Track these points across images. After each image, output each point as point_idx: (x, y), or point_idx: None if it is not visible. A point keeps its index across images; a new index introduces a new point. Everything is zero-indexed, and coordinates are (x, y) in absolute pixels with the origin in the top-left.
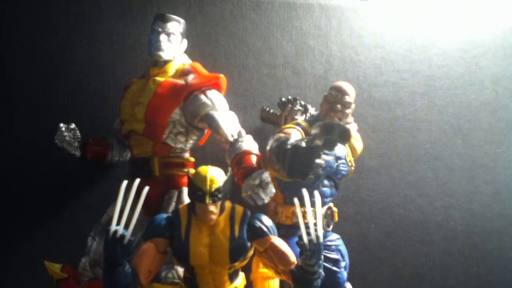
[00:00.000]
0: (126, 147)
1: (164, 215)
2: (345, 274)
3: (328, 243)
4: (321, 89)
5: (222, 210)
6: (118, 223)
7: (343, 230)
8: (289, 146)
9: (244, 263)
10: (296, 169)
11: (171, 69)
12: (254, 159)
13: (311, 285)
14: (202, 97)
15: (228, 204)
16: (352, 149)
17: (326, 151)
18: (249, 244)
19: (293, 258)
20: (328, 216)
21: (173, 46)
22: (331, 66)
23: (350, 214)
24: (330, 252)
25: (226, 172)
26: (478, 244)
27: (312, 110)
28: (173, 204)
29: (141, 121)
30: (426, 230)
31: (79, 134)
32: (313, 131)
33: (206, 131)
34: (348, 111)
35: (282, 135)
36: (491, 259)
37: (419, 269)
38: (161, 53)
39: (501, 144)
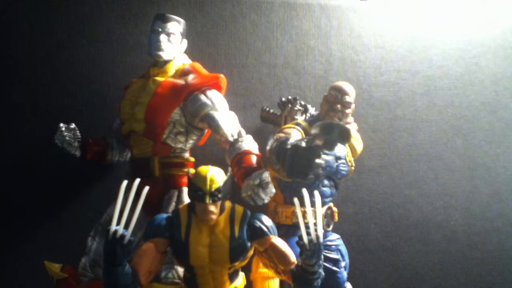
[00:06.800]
0: (126, 147)
1: (164, 215)
2: (345, 274)
3: (328, 243)
4: (321, 89)
5: (222, 210)
6: (118, 223)
7: (343, 230)
8: (289, 146)
9: (244, 263)
10: (296, 169)
11: (171, 69)
12: (254, 159)
13: (311, 285)
14: (202, 97)
15: (228, 204)
16: (352, 149)
17: (326, 151)
18: (249, 244)
19: (293, 258)
20: (328, 216)
21: (173, 46)
22: (331, 66)
23: (350, 214)
24: (330, 252)
25: (226, 172)
26: (478, 244)
27: (312, 110)
28: (173, 204)
29: (141, 121)
30: (426, 230)
31: (79, 134)
32: (313, 131)
33: (206, 131)
34: (348, 111)
35: (282, 135)
36: (491, 259)
37: (419, 269)
38: (161, 53)
39: (501, 144)
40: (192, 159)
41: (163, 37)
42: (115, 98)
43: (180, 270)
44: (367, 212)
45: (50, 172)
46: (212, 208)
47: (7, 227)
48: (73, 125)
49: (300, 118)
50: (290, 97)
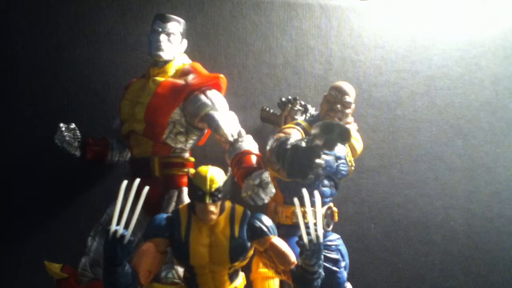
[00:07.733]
0: (126, 147)
1: (164, 215)
2: (345, 274)
3: (328, 243)
4: (321, 89)
5: (222, 210)
6: (118, 223)
7: (343, 230)
8: (289, 146)
9: (244, 263)
10: (296, 169)
11: (171, 69)
12: (254, 159)
13: (311, 285)
14: (202, 97)
15: (228, 204)
16: (352, 149)
17: (326, 151)
18: (249, 244)
19: (293, 258)
20: (328, 216)
21: (173, 46)
22: (331, 66)
23: (350, 214)
24: (330, 252)
25: (226, 172)
26: (478, 244)
27: (312, 110)
28: (173, 204)
29: (141, 121)
30: (426, 230)
31: (79, 134)
32: (313, 131)
33: (206, 131)
34: (348, 111)
35: (282, 135)
36: (491, 259)
37: (419, 269)
38: (161, 53)
39: (501, 144)
40: (192, 159)
41: (163, 37)
42: (115, 98)
43: (180, 270)
44: (367, 212)
45: (50, 172)
46: (212, 208)
47: (7, 227)
48: (73, 125)
49: (300, 118)
50: (290, 97)
